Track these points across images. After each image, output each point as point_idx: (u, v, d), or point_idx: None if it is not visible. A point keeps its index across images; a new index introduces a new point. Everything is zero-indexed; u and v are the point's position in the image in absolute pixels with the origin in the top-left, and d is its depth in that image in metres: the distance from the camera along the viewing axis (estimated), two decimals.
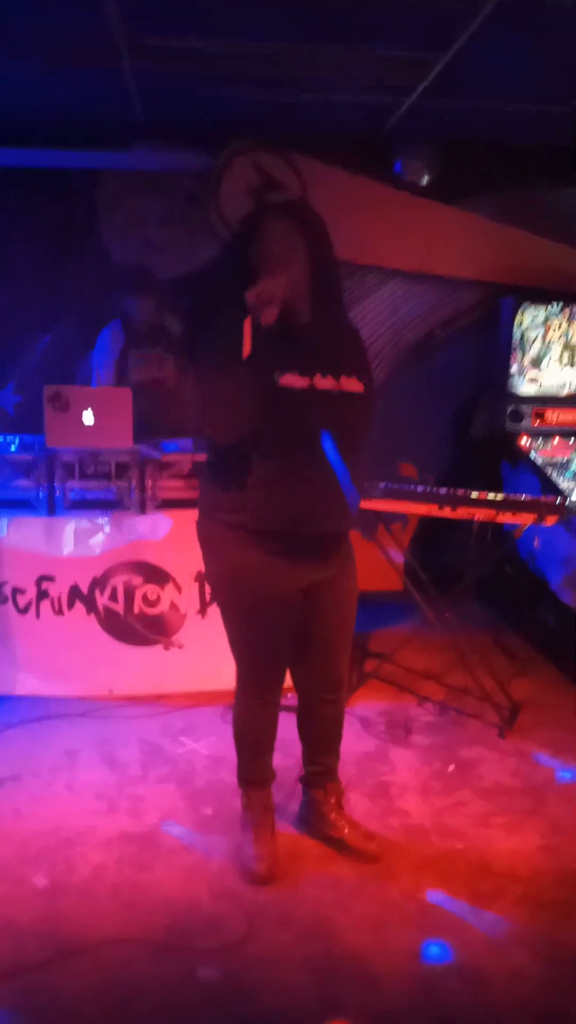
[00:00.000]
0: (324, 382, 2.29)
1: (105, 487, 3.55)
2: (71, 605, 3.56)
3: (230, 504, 2.36)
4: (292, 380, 2.26)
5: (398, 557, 3.95)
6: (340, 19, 3.18)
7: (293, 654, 2.58)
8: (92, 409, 3.41)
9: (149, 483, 3.55)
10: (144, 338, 4.23)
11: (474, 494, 3.47)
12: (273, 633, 2.48)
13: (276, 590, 2.40)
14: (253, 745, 2.64)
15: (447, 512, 3.45)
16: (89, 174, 4.64)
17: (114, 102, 4.13)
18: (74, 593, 3.55)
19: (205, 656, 3.62)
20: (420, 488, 3.57)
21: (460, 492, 3.49)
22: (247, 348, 2.17)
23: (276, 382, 2.24)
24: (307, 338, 2.31)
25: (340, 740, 2.75)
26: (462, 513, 3.44)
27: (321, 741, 2.71)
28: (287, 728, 2.70)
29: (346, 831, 2.68)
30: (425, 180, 4.73)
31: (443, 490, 3.52)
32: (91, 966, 2.19)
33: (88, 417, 3.41)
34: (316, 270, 2.32)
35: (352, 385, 2.34)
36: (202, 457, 3.56)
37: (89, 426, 3.42)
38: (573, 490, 4.28)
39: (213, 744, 3.30)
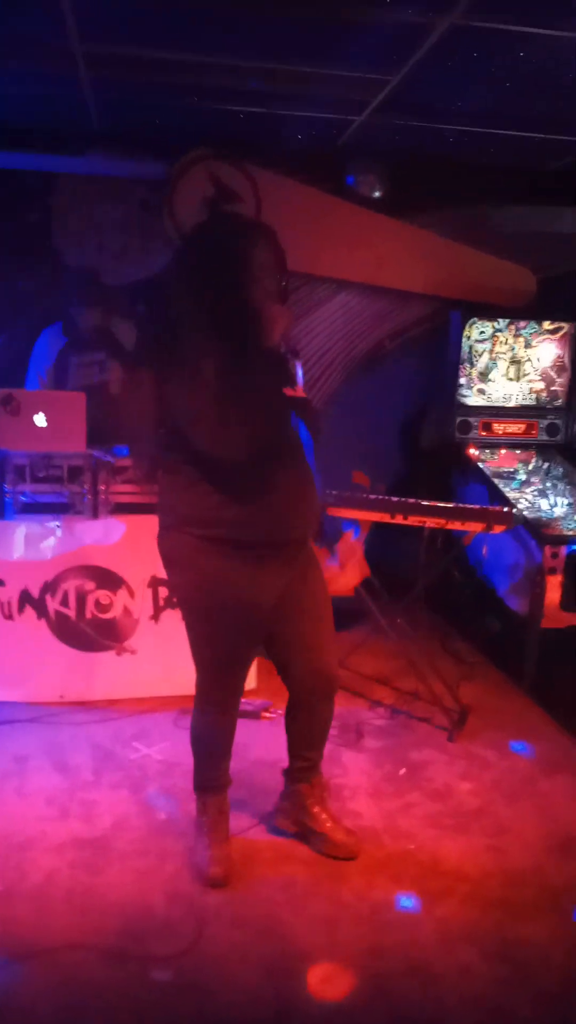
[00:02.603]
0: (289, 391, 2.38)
1: (57, 491, 3.53)
2: (21, 610, 3.52)
3: (210, 516, 2.35)
4: (289, 392, 2.36)
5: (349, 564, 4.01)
6: (296, 38, 3.23)
7: (281, 654, 2.61)
8: (44, 412, 3.40)
9: (102, 487, 3.55)
10: (87, 342, 4.22)
11: (425, 502, 3.54)
12: (238, 644, 2.50)
13: (246, 601, 2.42)
14: (210, 752, 2.65)
15: (399, 519, 3.52)
16: (45, 178, 4.63)
17: (71, 108, 4.12)
18: (24, 598, 3.52)
19: (158, 661, 3.62)
20: (372, 496, 3.63)
21: (411, 500, 3.56)
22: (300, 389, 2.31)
23: (283, 395, 2.32)
24: (273, 355, 2.36)
25: (327, 735, 2.78)
26: (414, 520, 3.52)
27: (309, 737, 2.73)
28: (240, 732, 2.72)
29: (328, 825, 2.71)
30: (377, 194, 4.81)
31: (395, 498, 3.59)
32: (45, 970, 2.17)
33: (40, 420, 3.39)
34: (281, 294, 2.39)
35: (297, 393, 2.42)
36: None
37: (41, 429, 3.40)
38: (520, 499, 4.39)
39: (166, 749, 3.29)
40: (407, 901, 2.51)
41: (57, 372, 4.21)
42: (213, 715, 2.60)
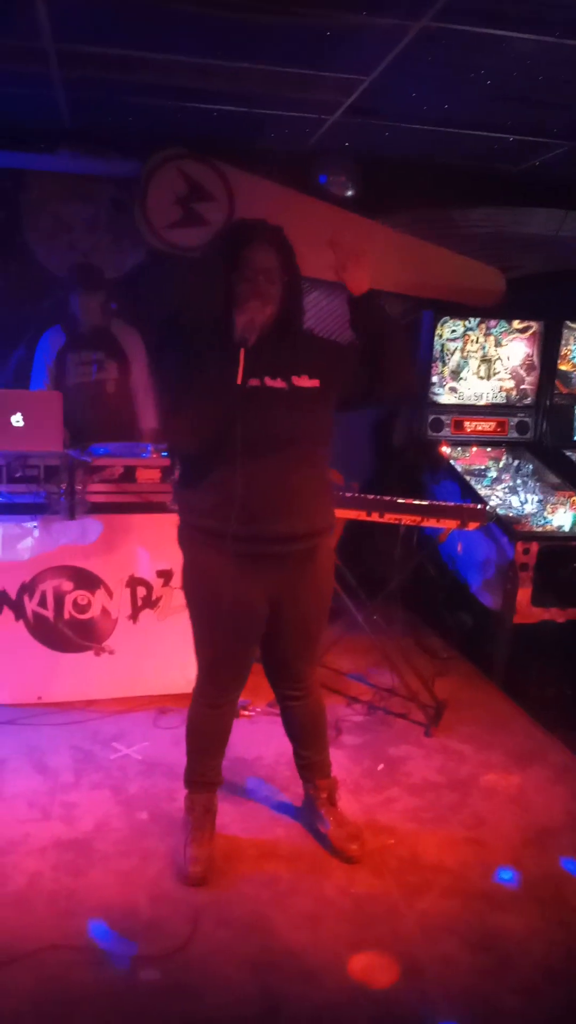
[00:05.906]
0: (274, 382, 2.38)
1: (34, 491, 3.50)
2: None
3: (195, 507, 2.46)
4: (252, 383, 2.35)
5: None
6: (267, 39, 3.24)
7: (262, 655, 2.67)
8: (21, 412, 3.37)
9: (79, 487, 3.53)
10: (85, 340, 4.19)
11: (401, 500, 3.57)
12: (232, 638, 2.51)
13: (235, 597, 2.43)
14: (202, 747, 2.69)
15: (375, 517, 3.56)
16: (14, 176, 4.59)
17: (41, 106, 4.09)
18: (2, 599, 3.49)
19: (136, 661, 3.62)
20: (348, 494, 3.66)
21: (387, 498, 3.59)
22: (241, 375, 2.28)
23: (243, 386, 2.32)
24: (264, 348, 2.37)
25: (319, 736, 2.81)
26: (390, 518, 3.55)
27: (298, 735, 2.79)
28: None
29: (330, 828, 2.74)
30: (349, 193, 4.83)
31: (371, 496, 3.62)
32: (29, 974, 2.17)
33: (17, 420, 3.37)
34: (287, 292, 2.43)
35: (304, 382, 2.41)
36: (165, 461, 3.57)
37: (18, 429, 3.37)
38: (491, 497, 4.45)
39: (146, 749, 3.30)
40: (389, 895, 2.55)
41: (57, 369, 4.19)
42: (205, 708, 2.64)
